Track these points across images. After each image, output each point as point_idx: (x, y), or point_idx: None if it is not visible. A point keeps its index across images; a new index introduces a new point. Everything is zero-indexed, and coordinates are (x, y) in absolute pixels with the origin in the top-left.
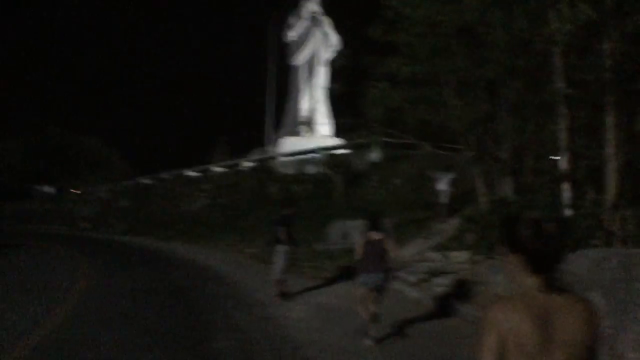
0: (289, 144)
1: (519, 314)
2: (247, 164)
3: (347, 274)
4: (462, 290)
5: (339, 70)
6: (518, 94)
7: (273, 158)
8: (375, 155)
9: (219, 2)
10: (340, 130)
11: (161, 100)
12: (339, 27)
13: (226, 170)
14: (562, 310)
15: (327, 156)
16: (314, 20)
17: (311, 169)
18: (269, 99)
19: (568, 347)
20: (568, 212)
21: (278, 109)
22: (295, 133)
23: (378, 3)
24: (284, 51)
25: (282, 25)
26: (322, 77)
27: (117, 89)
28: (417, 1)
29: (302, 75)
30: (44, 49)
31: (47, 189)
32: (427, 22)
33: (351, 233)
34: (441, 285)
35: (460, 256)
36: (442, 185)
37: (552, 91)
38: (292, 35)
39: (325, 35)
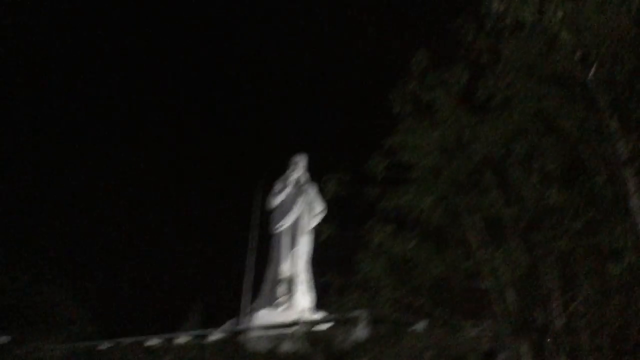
0: (265, 317)
1: None
2: (216, 336)
3: None
4: None
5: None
6: (570, 236)
7: (246, 331)
8: (362, 331)
9: (203, 168)
10: (323, 300)
11: (135, 260)
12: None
13: (192, 341)
14: None
15: (306, 331)
16: (300, 188)
17: (287, 346)
18: (248, 267)
19: None
20: None
21: (257, 278)
22: (273, 304)
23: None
24: (267, 218)
25: (267, 192)
26: (304, 245)
27: (90, 243)
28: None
29: (284, 243)
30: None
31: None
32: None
33: None
34: None
35: None
36: None
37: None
38: (275, 202)
39: (310, 203)
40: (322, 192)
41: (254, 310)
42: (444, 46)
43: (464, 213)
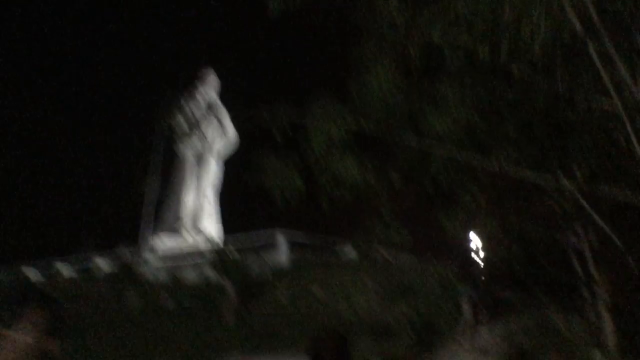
0: (167, 244)
1: None
2: (104, 264)
3: None
4: None
5: None
6: None
7: (144, 260)
8: (282, 256)
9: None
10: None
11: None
12: None
13: (77, 274)
14: None
15: (215, 260)
16: (210, 107)
17: (191, 275)
18: (149, 188)
19: None
20: None
21: (159, 202)
22: (176, 231)
23: None
24: (172, 137)
25: (173, 107)
26: (213, 169)
27: None
28: None
29: (190, 165)
30: None
31: None
32: None
33: None
34: None
35: None
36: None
37: None
38: (181, 119)
39: (221, 125)
40: None
41: (154, 236)
42: None
43: None
